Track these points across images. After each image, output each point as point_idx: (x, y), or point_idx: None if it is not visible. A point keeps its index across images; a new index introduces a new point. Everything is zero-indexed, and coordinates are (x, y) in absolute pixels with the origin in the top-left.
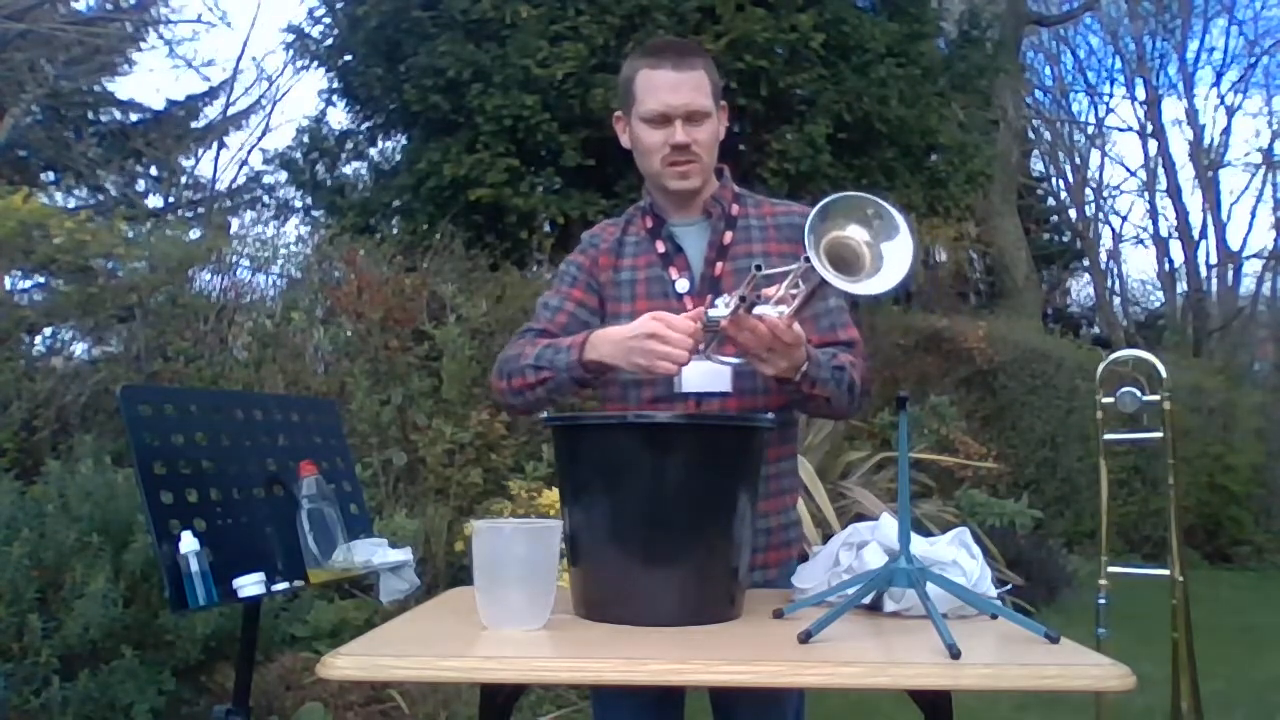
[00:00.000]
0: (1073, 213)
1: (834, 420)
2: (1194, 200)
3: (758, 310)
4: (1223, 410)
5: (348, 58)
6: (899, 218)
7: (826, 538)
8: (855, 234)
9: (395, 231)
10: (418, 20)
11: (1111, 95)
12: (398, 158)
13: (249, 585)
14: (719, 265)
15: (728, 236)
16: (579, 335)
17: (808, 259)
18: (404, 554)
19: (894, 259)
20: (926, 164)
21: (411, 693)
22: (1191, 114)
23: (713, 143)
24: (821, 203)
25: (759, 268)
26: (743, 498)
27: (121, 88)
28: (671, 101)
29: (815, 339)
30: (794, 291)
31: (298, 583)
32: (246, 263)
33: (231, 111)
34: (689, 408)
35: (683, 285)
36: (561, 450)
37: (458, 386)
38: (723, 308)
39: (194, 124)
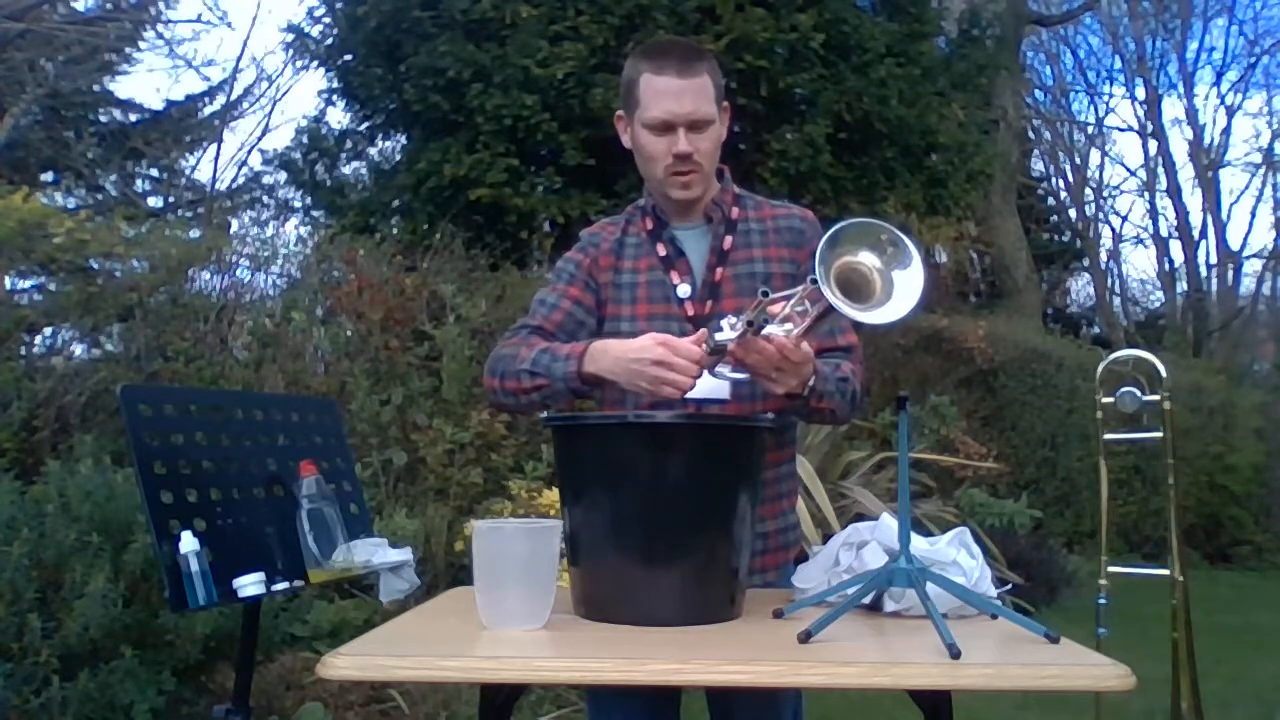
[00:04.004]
0: (1073, 213)
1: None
2: (1194, 200)
3: (765, 330)
4: (1223, 410)
5: (348, 58)
6: (913, 247)
7: (826, 538)
8: (867, 260)
9: (395, 231)
10: (418, 20)
11: (1111, 95)
12: (398, 158)
13: (249, 585)
14: (719, 270)
15: (728, 241)
16: (578, 345)
17: (814, 280)
18: (404, 554)
19: (905, 288)
20: (926, 164)
21: (411, 693)
22: (1191, 114)
23: (715, 150)
24: (833, 229)
25: (765, 293)
26: (743, 498)
27: (121, 88)
28: (676, 110)
29: (815, 345)
30: (800, 310)
31: (298, 583)
32: (246, 263)
33: (231, 108)
34: (688, 409)
35: (684, 290)
36: (561, 450)
37: (458, 386)
38: (728, 330)
39: (193, 121)
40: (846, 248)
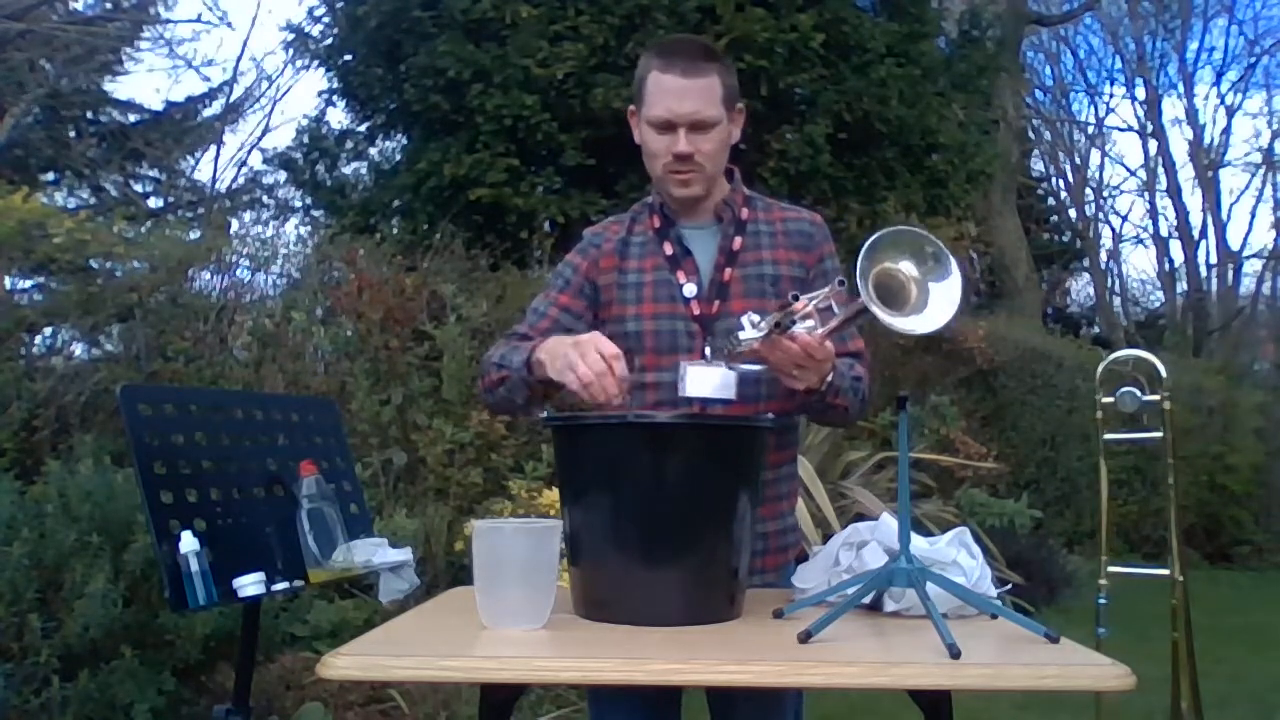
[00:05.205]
0: (1073, 213)
1: (841, 426)
2: (1194, 200)
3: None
4: (1223, 410)
5: (348, 58)
6: (954, 262)
7: (826, 538)
8: (906, 269)
9: (395, 231)
10: (418, 20)
11: (1111, 95)
12: (398, 158)
13: (249, 585)
14: (728, 271)
15: (737, 242)
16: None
17: (842, 281)
18: (404, 554)
19: (940, 300)
20: (926, 164)
21: (411, 693)
22: (1191, 114)
23: (719, 151)
24: (878, 234)
25: (796, 296)
26: (743, 498)
27: (121, 88)
28: (676, 110)
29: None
30: (823, 307)
31: (298, 583)
32: (246, 263)
33: (231, 110)
34: (691, 409)
35: (690, 290)
36: (562, 450)
37: (458, 386)
38: (750, 328)
39: (193, 122)
40: (888, 253)
